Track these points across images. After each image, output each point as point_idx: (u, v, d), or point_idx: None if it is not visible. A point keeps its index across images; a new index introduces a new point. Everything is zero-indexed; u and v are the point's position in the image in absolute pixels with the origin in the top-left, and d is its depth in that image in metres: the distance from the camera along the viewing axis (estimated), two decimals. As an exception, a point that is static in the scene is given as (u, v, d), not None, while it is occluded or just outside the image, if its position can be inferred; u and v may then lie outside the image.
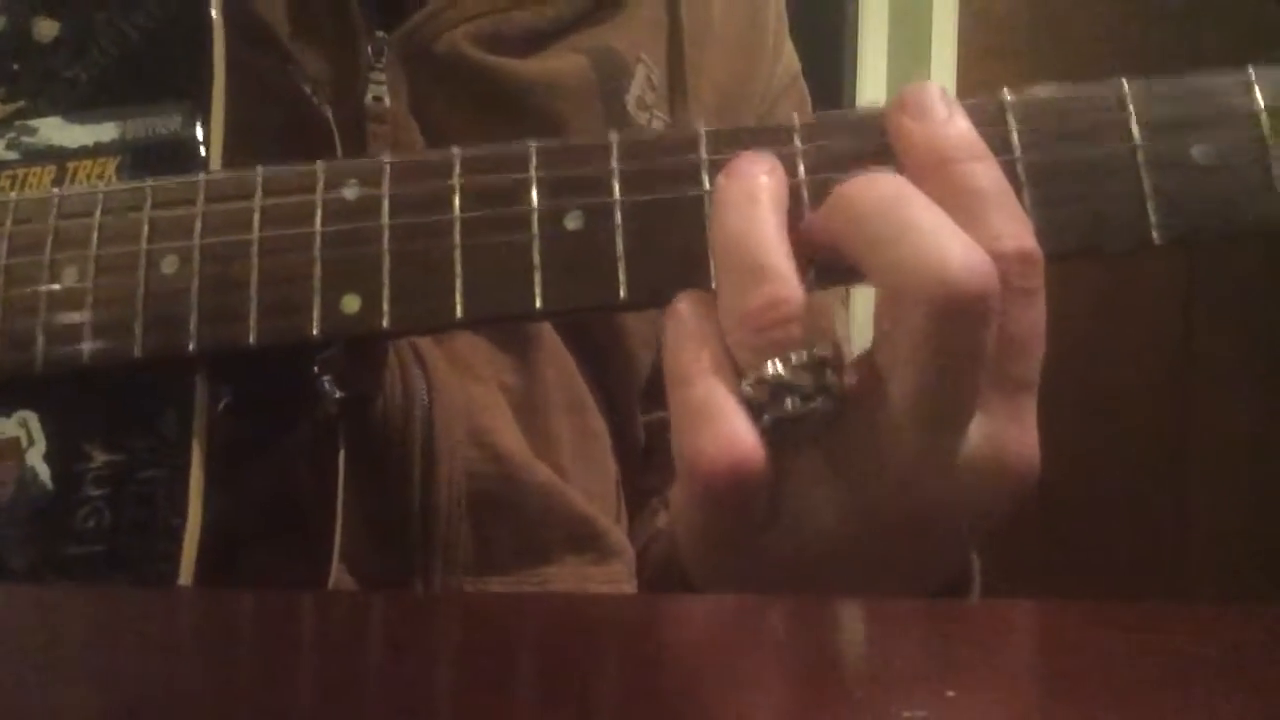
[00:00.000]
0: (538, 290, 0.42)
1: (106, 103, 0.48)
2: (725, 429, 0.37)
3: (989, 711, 0.26)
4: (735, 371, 0.39)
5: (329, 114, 0.53)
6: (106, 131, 0.47)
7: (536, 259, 0.42)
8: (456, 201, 0.43)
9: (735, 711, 0.26)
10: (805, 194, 0.41)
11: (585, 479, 0.62)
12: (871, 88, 2.29)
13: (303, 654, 0.32)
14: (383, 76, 0.58)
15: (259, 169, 0.45)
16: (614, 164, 0.43)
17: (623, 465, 0.67)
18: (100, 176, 0.47)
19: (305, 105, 0.53)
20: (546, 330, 0.61)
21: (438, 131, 0.59)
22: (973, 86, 2.33)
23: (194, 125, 0.47)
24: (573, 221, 0.43)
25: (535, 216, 0.43)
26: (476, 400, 0.59)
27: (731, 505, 0.38)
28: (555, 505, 0.60)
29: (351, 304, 0.43)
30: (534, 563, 0.60)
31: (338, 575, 0.55)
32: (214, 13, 0.48)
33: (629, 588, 0.62)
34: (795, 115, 0.43)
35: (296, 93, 0.53)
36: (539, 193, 0.43)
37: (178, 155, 0.47)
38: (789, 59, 0.75)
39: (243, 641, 0.34)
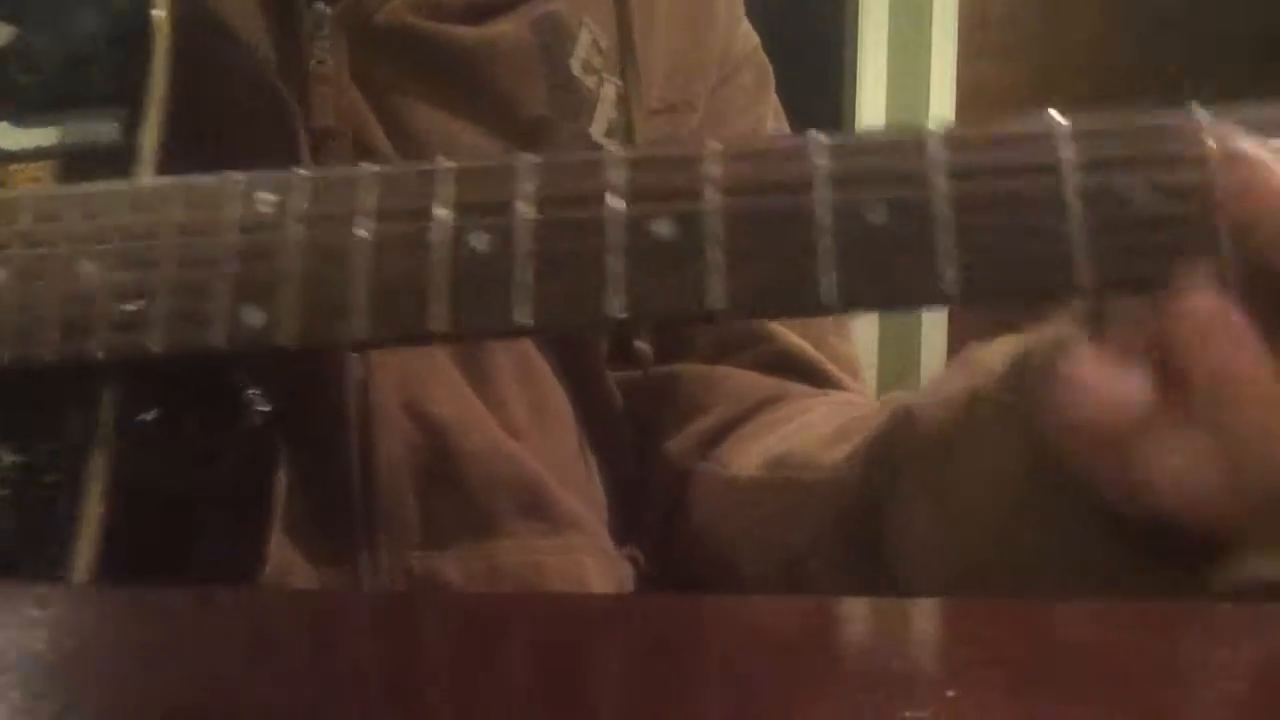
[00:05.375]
0: (443, 311, 0.41)
1: (49, 107, 0.48)
2: None
3: (989, 711, 0.26)
4: None
5: (286, 94, 0.54)
6: (47, 136, 0.48)
7: (443, 280, 0.42)
8: (366, 220, 0.43)
9: (735, 711, 0.26)
10: None
11: (541, 451, 0.62)
12: (871, 89, 2.27)
13: (299, 654, 0.32)
14: (325, 45, 0.59)
15: (181, 179, 0.45)
16: (526, 186, 0.42)
17: (593, 435, 0.66)
18: (37, 181, 0.47)
19: (266, 91, 0.54)
20: None
21: (380, 98, 0.60)
22: (973, 86, 2.33)
23: (130, 131, 0.47)
24: (478, 242, 0.42)
25: (448, 236, 0.42)
26: (415, 372, 0.58)
27: None
28: (499, 472, 0.59)
29: (256, 318, 0.42)
30: (482, 534, 0.59)
31: (287, 554, 0.55)
32: (157, 11, 0.48)
33: (587, 560, 0.61)
34: None
35: (255, 78, 0.53)
36: (452, 212, 0.42)
37: (113, 161, 0.47)
38: (746, 30, 0.74)
39: (235, 641, 0.34)
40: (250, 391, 0.48)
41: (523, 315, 0.41)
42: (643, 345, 0.67)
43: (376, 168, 0.44)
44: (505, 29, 0.62)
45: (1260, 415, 0.37)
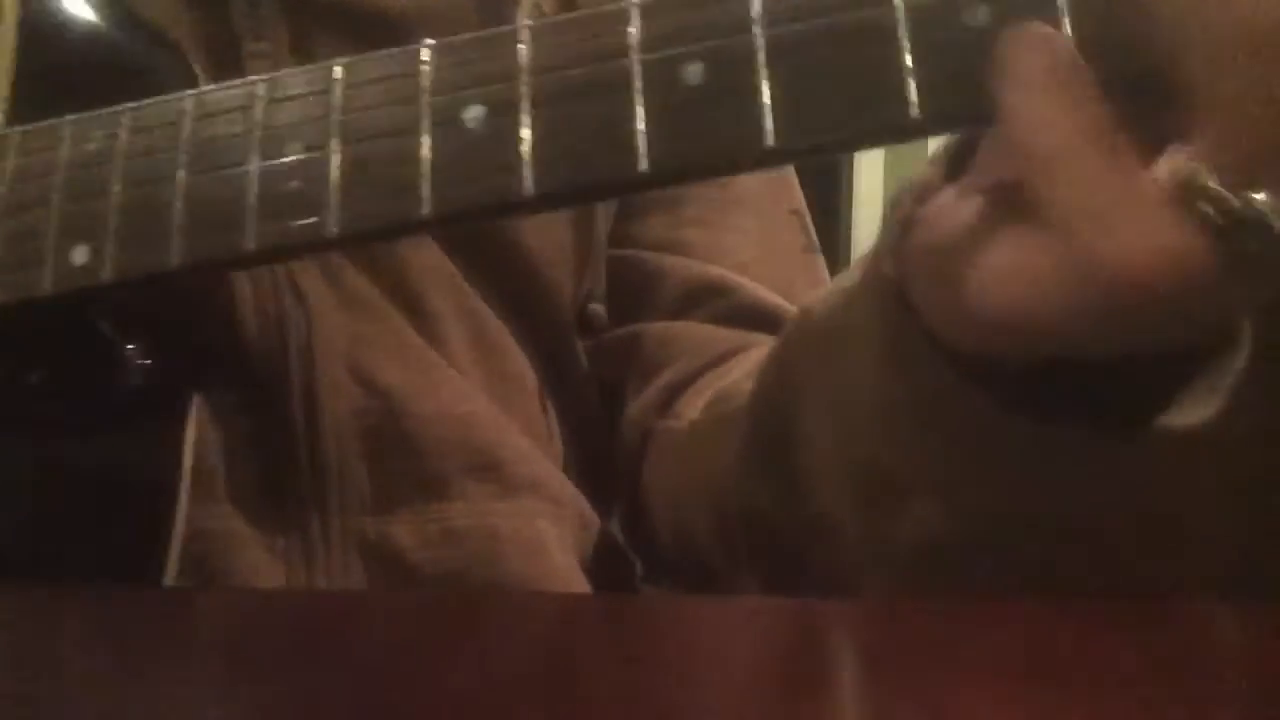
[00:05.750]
0: (251, 232, 0.40)
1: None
2: (1164, 225, 0.32)
3: (989, 711, 0.26)
4: (1159, 170, 0.32)
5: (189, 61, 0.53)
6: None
7: (252, 200, 0.40)
8: (181, 145, 0.41)
9: (735, 712, 0.26)
10: None
11: (497, 416, 0.60)
12: None
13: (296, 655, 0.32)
14: (261, 21, 0.57)
15: (14, 128, 0.44)
16: (347, 85, 0.40)
17: (561, 402, 0.64)
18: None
19: (159, 62, 0.53)
20: (441, 269, 0.59)
21: None
22: None
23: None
24: (289, 151, 0.40)
25: (256, 152, 0.40)
26: (361, 336, 0.57)
27: (1160, 311, 0.33)
28: (450, 436, 0.58)
29: (80, 255, 0.41)
30: (433, 498, 0.57)
31: (234, 524, 0.54)
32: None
33: (542, 523, 0.59)
34: None
35: (143, 48, 0.53)
36: (261, 136, 0.40)
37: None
38: None
39: (231, 640, 0.34)
40: (127, 347, 0.47)
41: (332, 224, 0.39)
42: (596, 308, 0.65)
43: (195, 91, 0.42)
44: None
45: (1092, 196, 0.32)
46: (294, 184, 0.39)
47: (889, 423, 0.41)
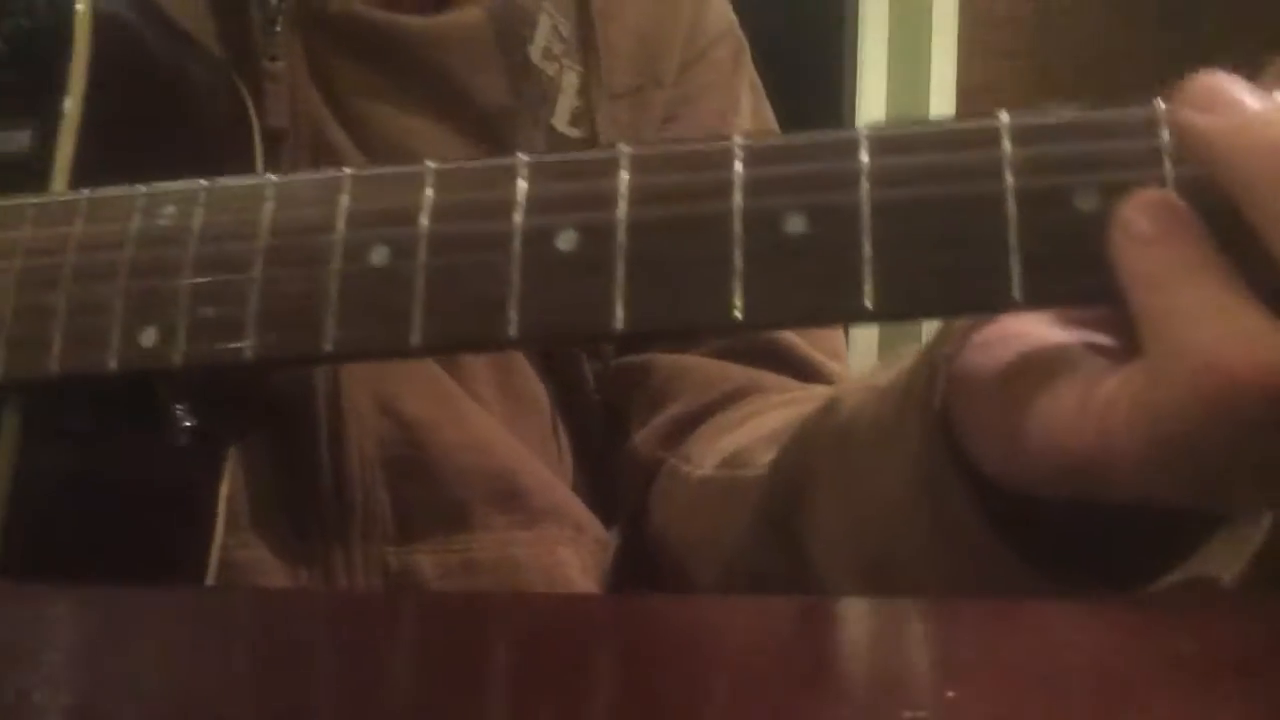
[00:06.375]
0: (329, 330, 0.39)
1: (-33, 115, 0.47)
2: (1255, 326, 0.32)
3: (989, 711, 0.26)
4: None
5: (243, 91, 0.52)
6: (-39, 145, 0.46)
7: (334, 297, 0.39)
8: (262, 233, 0.40)
9: (735, 712, 0.26)
10: None
11: (513, 436, 0.61)
12: (872, 89, 2.28)
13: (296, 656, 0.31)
14: (278, 40, 0.57)
15: (86, 193, 0.43)
16: (427, 191, 0.39)
17: (568, 420, 0.65)
18: (-51, 194, 0.46)
19: (217, 90, 0.52)
20: None
21: (337, 93, 0.59)
22: (973, 86, 2.36)
23: (43, 141, 0.45)
24: (378, 257, 0.39)
25: (339, 251, 0.39)
26: (385, 367, 0.57)
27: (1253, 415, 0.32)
28: (473, 465, 0.59)
29: (149, 337, 0.41)
30: (456, 527, 0.58)
31: (259, 552, 0.54)
32: (79, 7, 0.46)
33: (563, 551, 0.61)
34: None
35: (200, 70, 0.52)
36: (345, 225, 0.40)
37: (26, 174, 0.45)
38: (720, 5, 0.71)
39: (234, 643, 0.34)
40: (177, 408, 0.46)
41: (416, 334, 0.38)
42: None
43: (276, 178, 0.41)
44: (461, 18, 0.61)
45: (1191, 333, 0.32)
46: (378, 289, 0.39)
47: (905, 529, 0.41)
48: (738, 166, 0.37)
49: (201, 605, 0.40)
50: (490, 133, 0.60)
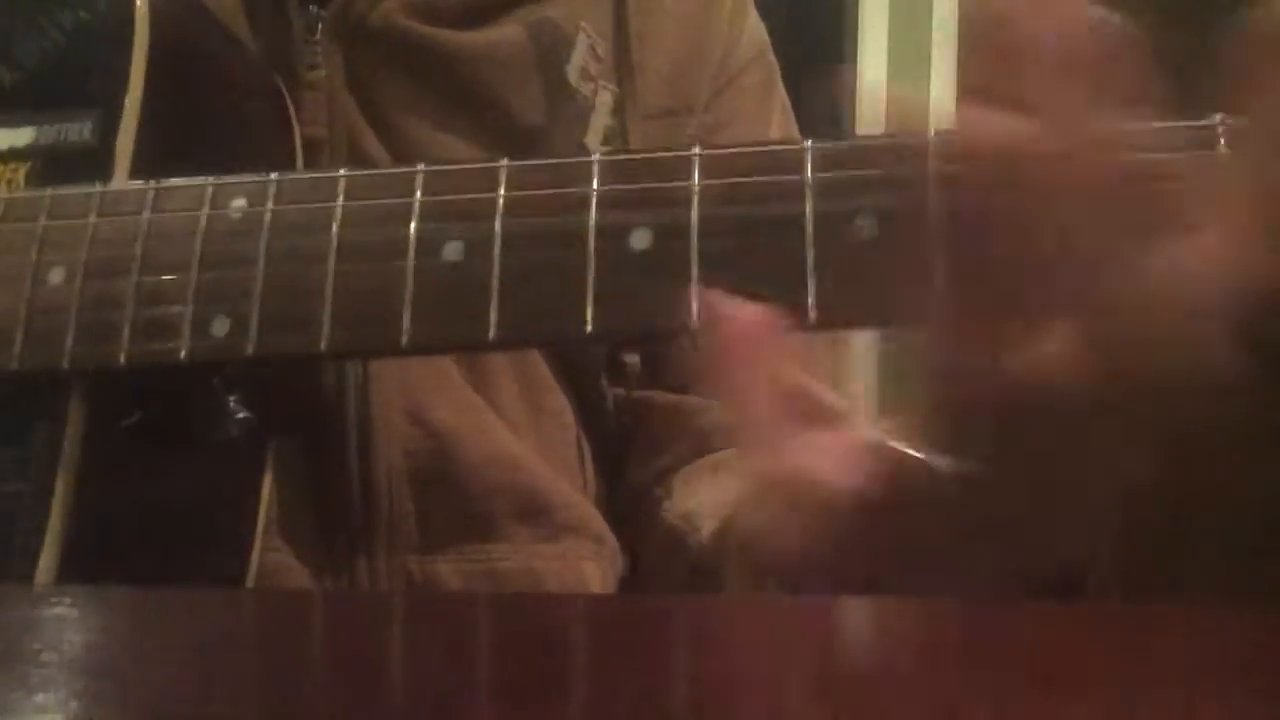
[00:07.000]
0: (406, 325, 0.40)
1: (27, 106, 0.47)
2: None
3: (989, 711, 0.26)
4: None
5: (286, 94, 0.52)
6: (23, 136, 0.47)
7: (409, 292, 0.40)
8: (335, 226, 0.41)
9: (735, 712, 0.26)
10: None
11: (538, 450, 0.61)
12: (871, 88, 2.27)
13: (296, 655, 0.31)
14: (317, 49, 0.57)
15: (151, 183, 0.43)
16: (501, 190, 0.40)
17: (589, 434, 0.65)
18: (10, 182, 0.46)
19: (262, 91, 0.53)
20: None
21: (374, 104, 0.59)
22: None
23: (104, 133, 0.46)
24: (452, 253, 0.40)
25: (413, 246, 0.40)
26: (414, 377, 0.57)
27: None
28: (498, 478, 0.59)
29: (220, 327, 0.41)
30: (480, 539, 0.59)
31: (284, 559, 0.55)
32: (139, 3, 0.47)
33: (585, 565, 0.61)
34: None
35: (247, 73, 0.52)
36: (418, 220, 0.40)
37: (87, 163, 0.46)
38: (753, 29, 0.71)
39: (239, 642, 0.33)
40: (231, 399, 0.47)
41: (492, 330, 0.39)
42: (632, 361, 0.66)
43: (346, 171, 0.42)
44: (501, 34, 0.61)
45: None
46: (452, 284, 0.40)
47: None
48: (808, 171, 0.38)
49: (217, 606, 0.40)
50: (523, 150, 0.60)
